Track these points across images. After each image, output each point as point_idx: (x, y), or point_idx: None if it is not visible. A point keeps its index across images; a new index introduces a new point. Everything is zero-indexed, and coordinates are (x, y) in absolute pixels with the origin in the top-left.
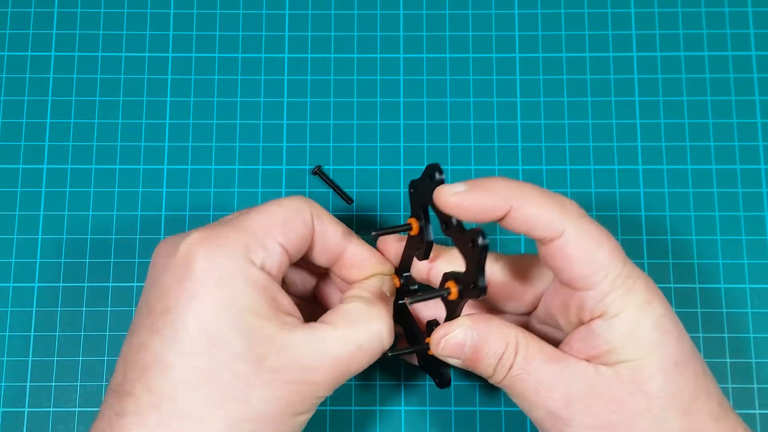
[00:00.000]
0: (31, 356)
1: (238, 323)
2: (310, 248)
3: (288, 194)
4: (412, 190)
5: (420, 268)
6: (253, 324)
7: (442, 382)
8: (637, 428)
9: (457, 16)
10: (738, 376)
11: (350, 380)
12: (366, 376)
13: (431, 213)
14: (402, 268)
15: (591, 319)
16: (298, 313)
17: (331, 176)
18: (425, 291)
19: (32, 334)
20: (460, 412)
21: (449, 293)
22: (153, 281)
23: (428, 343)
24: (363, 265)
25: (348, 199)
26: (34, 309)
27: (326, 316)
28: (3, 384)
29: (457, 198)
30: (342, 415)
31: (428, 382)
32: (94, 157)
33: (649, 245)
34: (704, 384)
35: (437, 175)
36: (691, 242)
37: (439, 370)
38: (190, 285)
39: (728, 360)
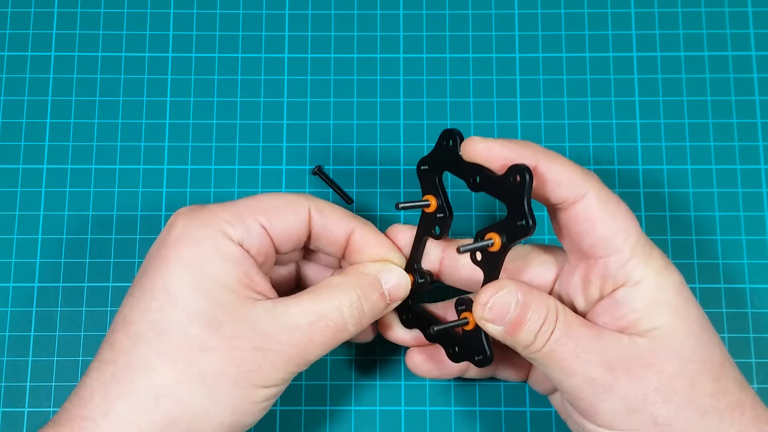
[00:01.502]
0: (31, 356)
1: (199, 286)
2: (315, 240)
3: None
4: (424, 167)
5: (432, 259)
6: (215, 290)
7: (486, 358)
8: (674, 392)
9: (457, 16)
10: None
11: (350, 380)
12: (366, 376)
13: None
14: (412, 260)
15: (614, 290)
16: (273, 295)
17: (331, 176)
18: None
19: (32, 334)
20: (460, 412)
21: (492, 244)
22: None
23: (465, 318)
24: (370, 252)
25: (348, 199)
26: (34, 309)
27: (298, 293)
28: (3, 384)
29: (488, 144)
30: (342, 414)
31: (428, 382)
32: (94, 157)
33: None
34: (726, 352)
35: (458, 139)
36: (691, 242)
37: (477, 347)
38: (164, 249)
39: None
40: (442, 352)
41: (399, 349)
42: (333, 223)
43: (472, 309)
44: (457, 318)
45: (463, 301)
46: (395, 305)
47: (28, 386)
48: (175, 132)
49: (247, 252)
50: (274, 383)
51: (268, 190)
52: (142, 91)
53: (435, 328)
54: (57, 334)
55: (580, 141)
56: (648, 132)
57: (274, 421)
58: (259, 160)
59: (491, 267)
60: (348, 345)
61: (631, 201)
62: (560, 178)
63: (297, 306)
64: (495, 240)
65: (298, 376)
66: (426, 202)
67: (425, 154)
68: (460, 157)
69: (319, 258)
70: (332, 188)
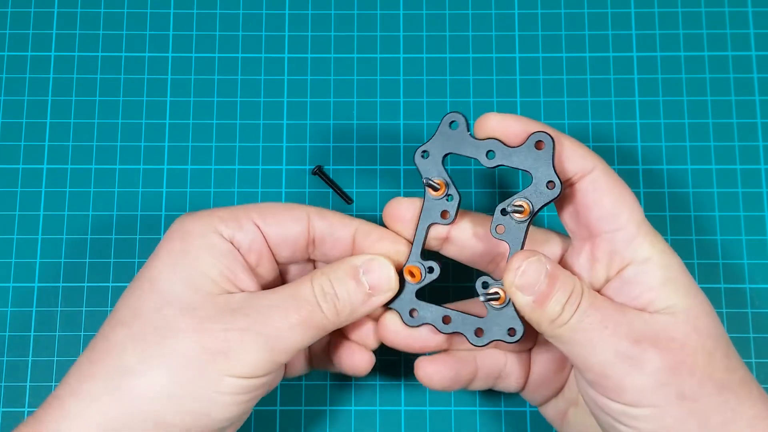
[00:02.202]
0: (31, 356)
1: (180, 274)
2: (319, 245)
3: (288, 194)
4: (425, 154)
5: (440, 229)
6: (195, 278)
7: (520, 332)
8: (697, 366)
9: (457, 16)
10: None
11: (351, 380)
12: (366, 376)
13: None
14: (416, 251)
15: (620, 269)
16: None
17: (331, 176)
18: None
19: (32, 334)
20: (460, 412)
21: (522, 210)
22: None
23: (497, 293)
24: (375, 248)
25: (348, 199)
26: (34, 309)
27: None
28: (3, 384)
29: (505, 118)
30: (342, 415)
31: None
32: (94, 157)
33: None
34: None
35: (464, 120)
36: (691, 242)
37: (508, 324)
38: (158, 246)
39: None
40: (453, 358)
41: (398, 350)
42: (337, 225)
43: (504, 276)
44: (480, 300)
45: (486, 281)
46: (380, 300)
47: (28, 386)
48: (175, 132)
49: (237, 249)
50: (244, 372)
51: (268, 190)
52: (142, 91)
53: (481, 298)
54: (57, 334)
55: (580, 140)
56: (648, 132)
57: (274, 421)
58: (259, 160)
59: (516, 238)
60: None
61: None
62: (570, 152)
63: (272, 292)
64: (525, 206)
65: (298, 377)
66: (436, 186)
67: (424, 142)
68: (468, 137)
69: None
70: (332, 188)
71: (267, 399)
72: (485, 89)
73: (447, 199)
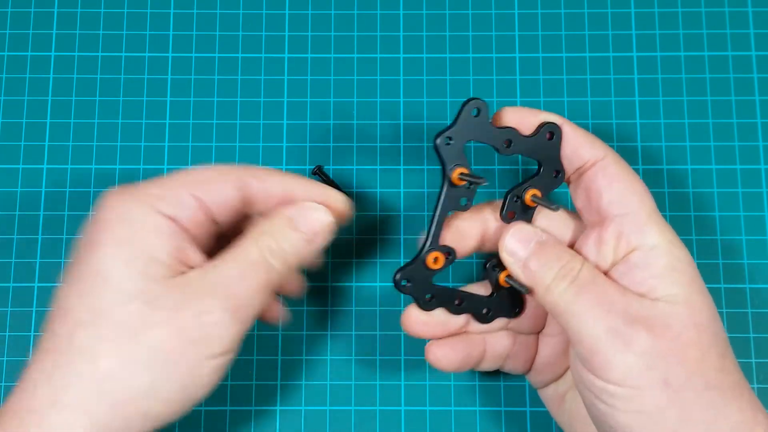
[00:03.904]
0: (31, 356)
1: (132, 264)
2: (255, 205)
3: None
4: (448, 141)
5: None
6: (148, 266)
7: (517, 307)
8: (688, 359)
9: (457, 16)
10: None
11: (350, 380)
12: (366, 376)
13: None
14: (436, 237)
15: (627, 253)
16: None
17: (331, 176)
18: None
19: (32, 334)
20: (460, 412)
21: (532, 197)
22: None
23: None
24: (305, 197)
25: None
26: (34, 309)
27: (221, 253)
28: (3, 384)
29: (522, 109)
30: (342, 415)
31: (428, 382)
32: (94, 157)
33: None
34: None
35: (485, 107)
36: (691, 242)
37: (513, 299)
38: (95, 231)
39: None
40: (462, 341)
41: (399, 350)
42: (269, 182)
43: (499, 242)
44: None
45: (494, 263)
46: (321, 242)
47: None
48: (175, 132)
49: (181, 226)
50: (221, 351)
51: None
52: (142, 91)
53: (507, 279)
54: None
55: None
56: (648, 132)
57: (274, 421)
58: (259, 160)
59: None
60: (348, 344)
61: None
62: (582, 140)
63: (223, 263)
64: (535, 194)
65: (299, 376)
66: (483, 179)
67: (445, 128)
68: (488, 125)
69: None
70: (332, 188)
71: (267, 399)
72: (485, 89)
73: (466, 186)
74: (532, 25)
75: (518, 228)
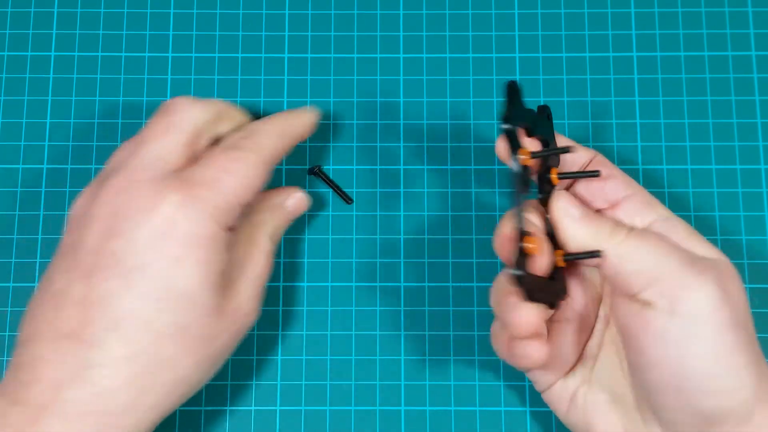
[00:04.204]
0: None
1: (210, 282)
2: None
3: None
4: (508, 126)
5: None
6: (219, 281)
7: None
8: (740, 306)
9: (457, 16)
10: None
11: (350, 380)
12: (366, 375)
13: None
14: (520, 226)
15: (647, 225)
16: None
17: (330, 176)
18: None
19: None
20: (460, 412)
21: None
22: (119, 231)
23: (597, 251)
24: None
25: (348, 199)
26: None
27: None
28: None
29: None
30: (342, 415)
31: (428, 382)
32: (94, 156)
33: None
34: None
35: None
36: None
37: (556, 287)
38: (173, 247)
39: None
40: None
41: (398, 349)
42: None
43: (552, 203)
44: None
45: (567, 254)
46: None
47: None
48: None
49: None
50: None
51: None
52: (142, 91)
53: (566, 257)
54: None
55: (581, 141)
56: (648, 132)
57: (273, 421)
58: None
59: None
60: (348, 344)
61: None
62: (579, 148)
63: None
64: (553, 176)
65: (298, 376)
66: (565, 149)
67: (504, 112)
68: (524, 108)
69: None
70: (332, 188)
71: (267, 398)
72: (485, 89)
73: (522, 170)
74: (532, 25)
75: (561, 192)
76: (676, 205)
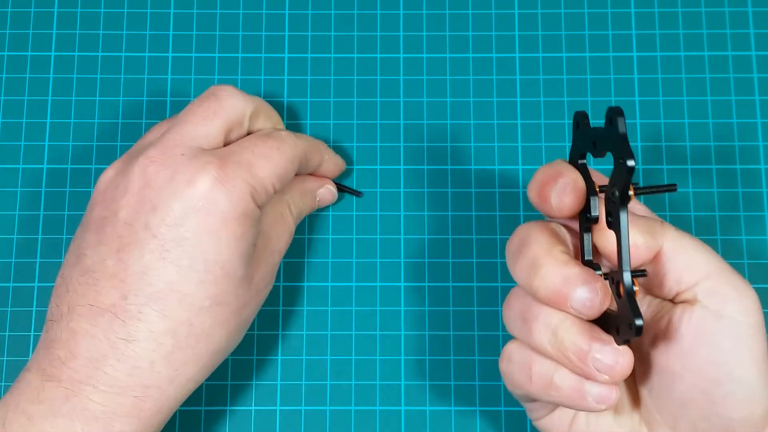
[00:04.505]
0: (31, 356)
1: (244, 255)
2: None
3: None
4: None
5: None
6: (251, 252)
7: (634, 325)
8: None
9: (457, 16)
10: None
11: (350, 380)
12: (366, 375)
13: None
14: (583, 255)
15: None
16: None
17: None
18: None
19: (32, 333)
20: (460, 412)
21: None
22: (157, 205)
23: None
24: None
25: (356, 193)
26: (34, 309)
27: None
28: (3, 384)
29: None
30: (342, 415)
31: (428, 382)
32: (94, 157)
33: None
34: None
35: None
36: None
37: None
38: (210, 221)
39: None
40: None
41: (398, 349)
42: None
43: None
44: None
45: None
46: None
47: None
48: None
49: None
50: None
51: None
52: (142, 91)
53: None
54: None
55: None
56: (648, 132)
57: (274, 421)
58: None
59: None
60: (348, 344)
61: None
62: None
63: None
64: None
65: (299, 376)
66: (672, 186)
67: (573, 148)
68: (590, 131)
69: None
70: (337, 185)
71: (267, 398)
72: (485, 89)
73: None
74: (532, 25)
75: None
76: (677, 204)
